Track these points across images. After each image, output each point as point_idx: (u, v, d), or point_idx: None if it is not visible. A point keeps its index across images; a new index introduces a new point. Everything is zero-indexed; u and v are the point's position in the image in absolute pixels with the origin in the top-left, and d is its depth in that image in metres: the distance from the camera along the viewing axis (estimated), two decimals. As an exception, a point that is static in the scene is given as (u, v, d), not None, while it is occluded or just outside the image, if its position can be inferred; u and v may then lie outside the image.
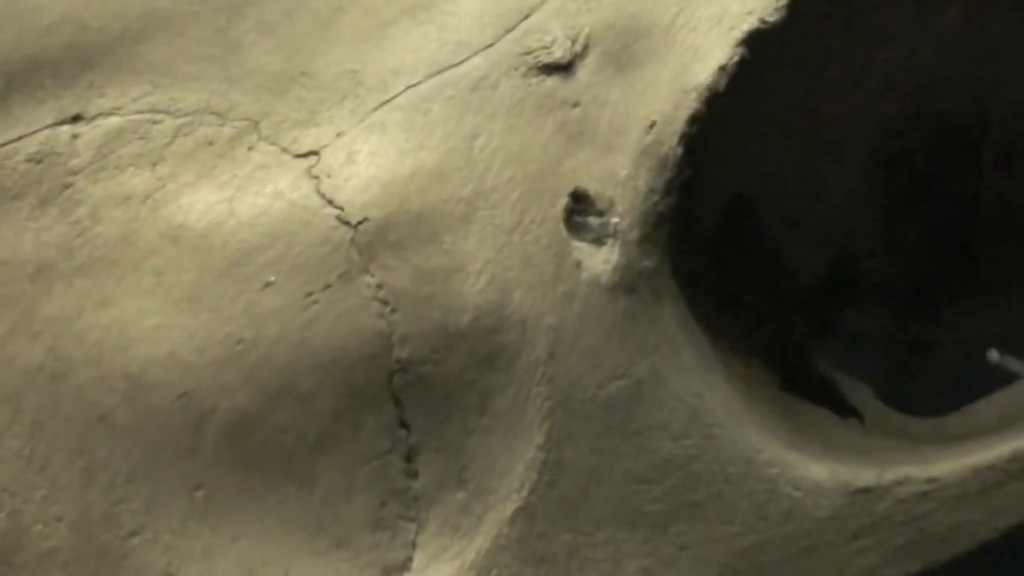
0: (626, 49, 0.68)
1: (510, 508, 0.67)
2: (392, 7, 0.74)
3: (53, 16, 0.73)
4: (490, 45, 0.69)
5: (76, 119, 0.71)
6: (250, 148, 0.71)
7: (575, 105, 0.68)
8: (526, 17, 0.69)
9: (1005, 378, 0.71)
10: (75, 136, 0.71)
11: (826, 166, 0.74)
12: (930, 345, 0.80)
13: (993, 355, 0.73)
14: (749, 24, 0.66)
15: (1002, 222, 0.76)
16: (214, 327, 0.67)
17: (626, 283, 0.66)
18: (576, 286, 0.66)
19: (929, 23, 0.75)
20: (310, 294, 0.68)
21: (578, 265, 0.66)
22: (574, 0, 0.74)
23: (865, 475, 0.68)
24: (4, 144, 0.74)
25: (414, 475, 0.68)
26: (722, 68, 0.64)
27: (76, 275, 0.70)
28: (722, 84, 0.64)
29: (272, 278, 0.68)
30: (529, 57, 0.68)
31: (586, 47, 0.68)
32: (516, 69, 0.69)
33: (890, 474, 0.67)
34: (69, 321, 0.70)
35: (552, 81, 0.68)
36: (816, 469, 0.68)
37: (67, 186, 0.71)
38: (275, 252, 0.68)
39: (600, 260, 0.66)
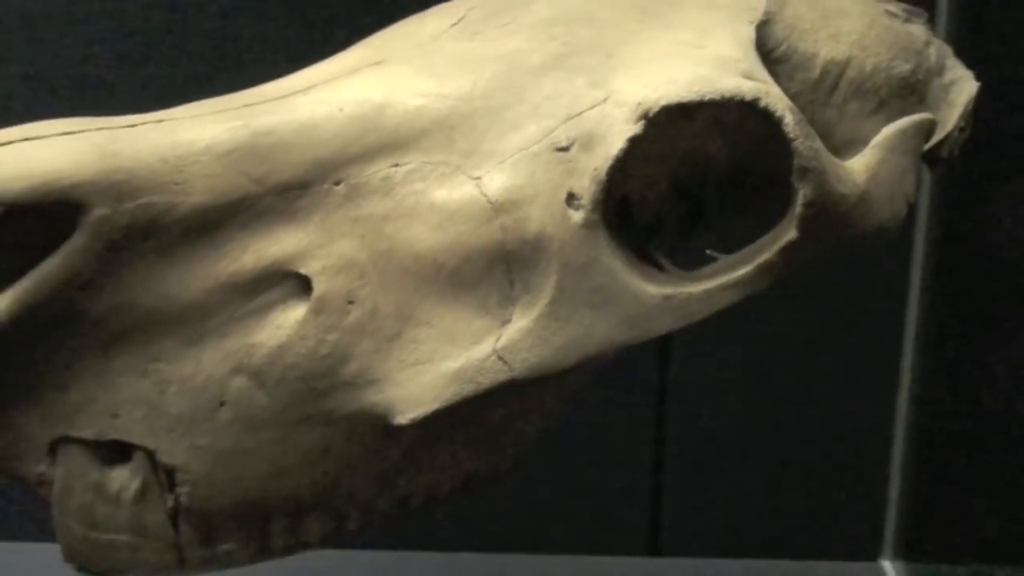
0: (588, 142, 1.27)
1: (542, 304, 1.27)
2: (504, 127, 1.28)
3: (373, 142, 1.31)
4: (539, 141, 1.28)
5: (396, 165, 1.27)
6: (456, 175, 1.28)
7: (570, 162, 1.26)
8: (551, 132, 1.29)
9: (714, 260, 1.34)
10: (395, 171, 1.27)
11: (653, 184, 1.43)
12: (688, 245, 1.44)
13: (708, 252, 1.34)
14: (631, 132, 1.27)
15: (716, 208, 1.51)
16: (446, 239, 1.26)
17: (587, 224, 1.26)
18: (569, 224, 1.25)
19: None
20: (478, 226, 1.25)
21: (570, 218, 1.25)
22: (564, 130, 1.29)
23: (668, 290, 1.29)
24: (368, 177, 1.27)
25: (512, 288, 1.27)
26: (621, 150, 1.25)
27: (397, 220, 1.26)
28: (622, 154, 1.25)
29: (464, 220, 1.26)
30: (553, 145, 1.27)
31: (572, 143, 1.27)
32: (548, 149, 1.27)
33: (678, 289, 1.30)
34: (392, 236, 1.25)
35: (560, 154, 1.27)
36: (650, 287, 1.28)
37: (391, 188, 1.26)
38: (467, 211, 1.26)
39: (578, 215, 1.25)
